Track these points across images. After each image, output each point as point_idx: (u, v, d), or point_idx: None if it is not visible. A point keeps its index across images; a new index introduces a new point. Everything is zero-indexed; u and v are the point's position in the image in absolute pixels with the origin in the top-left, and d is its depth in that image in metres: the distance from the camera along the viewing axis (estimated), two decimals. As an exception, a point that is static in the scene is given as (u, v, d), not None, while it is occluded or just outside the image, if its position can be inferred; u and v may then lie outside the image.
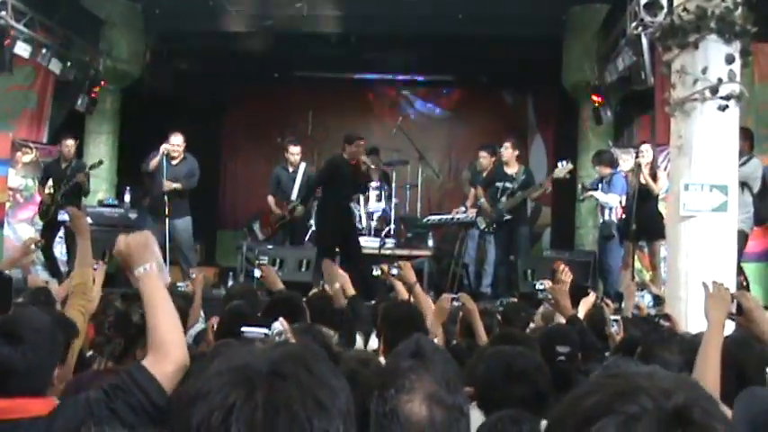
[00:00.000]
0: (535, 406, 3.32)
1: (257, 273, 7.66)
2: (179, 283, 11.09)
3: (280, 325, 3.64)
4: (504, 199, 11.66)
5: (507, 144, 11.95)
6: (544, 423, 3.34)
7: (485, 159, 12.58)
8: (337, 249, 11.24)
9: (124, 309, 4.29)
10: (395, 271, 6.57)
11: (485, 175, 12.40)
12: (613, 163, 11.38)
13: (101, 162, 12.57)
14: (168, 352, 2.59)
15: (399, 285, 6.60)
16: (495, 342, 4.47)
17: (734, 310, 3.88)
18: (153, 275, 2.74)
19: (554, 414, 1.31)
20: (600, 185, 11.43)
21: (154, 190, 11.63)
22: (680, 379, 1.27)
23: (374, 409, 2.40)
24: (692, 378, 1.34)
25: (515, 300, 9.81)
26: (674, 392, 1.21)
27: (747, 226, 9.33)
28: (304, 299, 6.58)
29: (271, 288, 6.68)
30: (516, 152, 12.04)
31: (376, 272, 7.01)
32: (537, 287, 6.67)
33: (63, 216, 5.17)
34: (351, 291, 6.78)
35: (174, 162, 11.44)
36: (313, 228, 13.10)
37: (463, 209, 13.05)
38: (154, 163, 11.36)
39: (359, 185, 12.06)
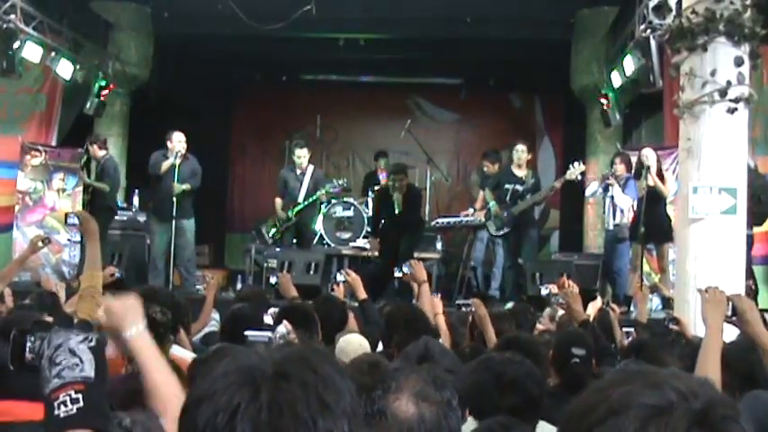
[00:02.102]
0: (527, 413, 3.32)
1: (273, 279, 7.70)
2: (197, 286, 11.13)
3: (284, 328, 3.64)
4: (513, 202, 11.66)
5: (523, 147, 11.93)
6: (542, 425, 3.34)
7: (488, 168, 12.61)
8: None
9: (145, 311, 4.30)
10: (406, 269, 6.61)
11: (491, 178, 12.43)
12: (630, 167, 11.35)
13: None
14: (167, 408, 2.56)
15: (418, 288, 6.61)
16: (499, 347, 4.45)
17: (730, 313, 3.87)
18: (143, 336, 2.68)
19: (577, 404, 1.31)
20: (610, 188, 11.41)
21: (160, 192, 11.58)
22: (703, 381, 1.29)
23: (366, 408, 2.41)
24: (713, 382, 1.35)
25: (522, 302, 9.79)
26: (699, 393, 1.22)
27: None
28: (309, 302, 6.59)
29: (284, 295, 6.68)
30: (529, 155, 12.08)
31: (398, 274, 7.04)
32: (542, 292, 6.68)
33: (73, 219, 5.18)
34: (362, 294, 6.78)
35: (178, 162, 11.43)
36: (322, 232, 13.12)
37: (471, 210, 13.05)
38: (165, 165, 11.33)
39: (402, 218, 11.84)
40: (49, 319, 4.42)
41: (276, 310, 4.90)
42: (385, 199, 11.83)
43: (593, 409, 1.26)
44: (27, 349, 2.07)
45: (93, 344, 1.98)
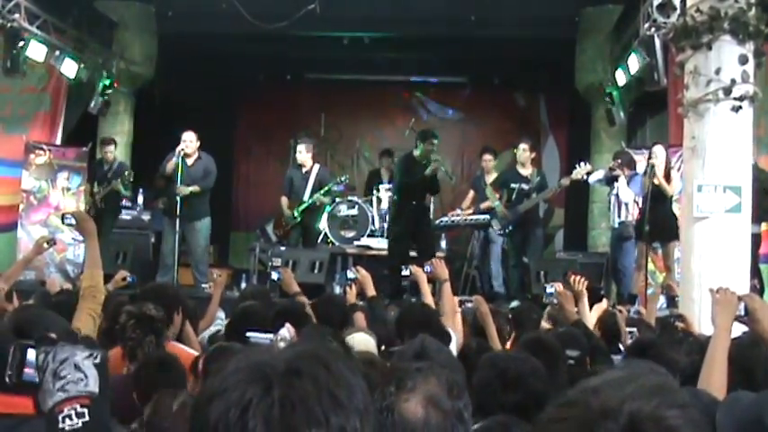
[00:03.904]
0: (532, 410, 3.31)
1: (275, 275, 7.70)
2: (203, 285, 11.14)
3: (286, 331, 3.63)
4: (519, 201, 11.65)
5: (525, 146, 11.95)
6: None
7: (489, 162, 12.58)
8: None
9: (139, 309, 4.33)
10: (428, 268, 6.61)
11: (491, 177, 12.45)
12: (632, 164, 11.34)
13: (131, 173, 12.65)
14: None
15: (424, 286, 6.61)
16: (523, 348, 4.41)
17: (742, 312, 3.86)
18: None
19: (538, 420, 1.33)
20: (615, 183, 11.40)
21: (169, 192, 11.64)
22: (638, 386, 1.29)
23: (377, 402, 2.40)
24: (656, 381, 1.34)
25: (526, 301, 9.79)
26: (622, 407, 1.24)
27: None
28: (311, 301, 6.58)
29: (287, 291, 6.68)
30: (533, 154, 12.07)
31: (405, 271, 7.03)
32: (547, 290, 6.68)
33: (70, 220, 5.17)
34: (371, 292, 6.78)
35: (189, 162, 11.44)
36: (326, 231, 13.10)
37: (458, 211, 13.13)
38: (170, 165, 11.36)
39: (431, 185, 11.64)
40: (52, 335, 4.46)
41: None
42: (413, 165, 11.36)
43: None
44: (26, 363, 2.06)
45: (97, 361, 1.99)
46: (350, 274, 7.33)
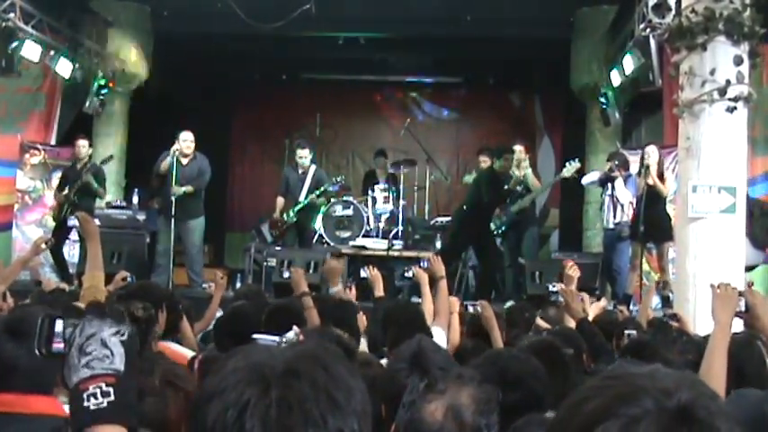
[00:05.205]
0: (529, 410, 3.30)
1: (286, 274, 7.68)
2: (204, 284, 11.13)
3: (294, 335, 3.62)
4: (513, 202, 11.66)
5: (520, 147, 11.95)
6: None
7: (485, 163, 12.61)
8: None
9: (125, 308, 4.33)
10: (424, 263, 6.60)
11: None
12: (627, 165, 11.34)
13: (111, 157, 12.44)
14: None
15: (425, 288, 6.60)
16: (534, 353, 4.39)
17: (742, 308, 3.87)
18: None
19: (555, 419, 1.30)
20: (610, 184, 11.41)
21: (165, 191, 11.59)
22: (682, 377, 1.26)
23: (405, 396, 2.41)
24: (694, 375, 1.32)
25: (521, 301, 9.80)
26: (675, 391, 1.20)
27: None
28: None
29: (295, 290, 6.68)
30: (527, 155, 12.08)
31: (408, 273, 7.03)
32: (550, 288, 6.68)
33: (72, 221, 5.21)
34: (379, 292, 6.78)
35: (184, 162, 11.40)
36: (321, 231, 13.09)
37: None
38: (164, 165, 11.33)
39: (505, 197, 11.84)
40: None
41: None
42: (498, 180, 11.50)
43: (569, 423, 1.24)
44: (55, 335, 2.03)
45: (124, 338, 1.94)
46: (363, 273, 7.34)
